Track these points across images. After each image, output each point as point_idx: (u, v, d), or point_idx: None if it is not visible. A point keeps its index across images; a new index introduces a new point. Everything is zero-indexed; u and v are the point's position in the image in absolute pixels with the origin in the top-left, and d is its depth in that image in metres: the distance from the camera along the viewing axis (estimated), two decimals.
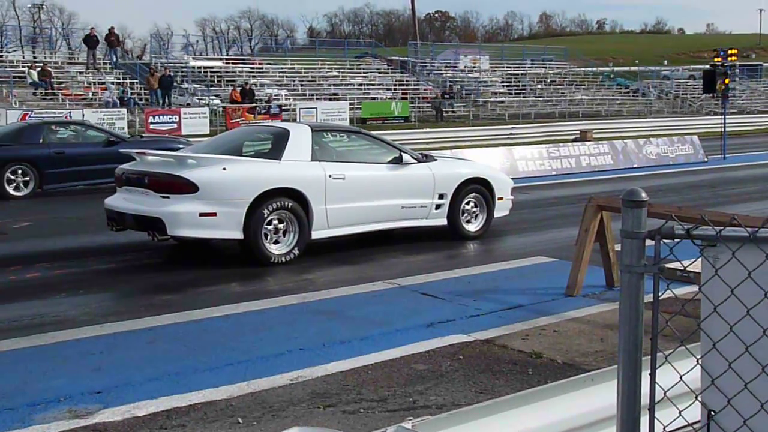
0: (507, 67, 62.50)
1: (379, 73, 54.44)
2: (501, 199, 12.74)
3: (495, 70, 60.85)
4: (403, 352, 6.84)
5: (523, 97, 54.55)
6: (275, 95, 43.97)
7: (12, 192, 17.23)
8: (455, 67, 59.20)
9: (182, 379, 6.20)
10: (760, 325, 2.67)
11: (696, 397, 2.79)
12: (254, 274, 10.05)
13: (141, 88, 41.09)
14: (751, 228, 2.69)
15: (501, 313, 8.14)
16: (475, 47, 75.49)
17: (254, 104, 38.67)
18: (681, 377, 2.90)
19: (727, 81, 25.44)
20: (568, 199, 16.73)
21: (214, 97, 41.51)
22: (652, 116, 51.21)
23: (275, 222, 10.35)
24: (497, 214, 12.68)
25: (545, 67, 63.98)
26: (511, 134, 35.43)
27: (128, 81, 41.61)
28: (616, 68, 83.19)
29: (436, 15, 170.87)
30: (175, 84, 40.74)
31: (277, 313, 8.24)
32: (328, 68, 53.27)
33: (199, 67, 48.66)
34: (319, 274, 10.10)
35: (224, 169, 10.16)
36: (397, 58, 60.09)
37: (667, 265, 8.60)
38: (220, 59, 61.54)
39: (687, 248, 2.85)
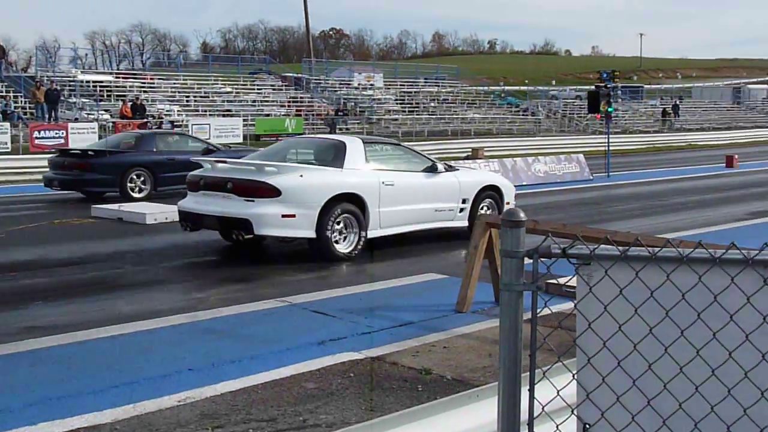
0: (401, 85, 63.15)
1: (273, 89, 54.22)
2: (508, 203, 14.42)
3: (389, 88, 61.38)
4: (293, 371, 6.81)
5: (417, 114, 55.17)
6: (167, 111, 43.25)
7: (134, 194, 19.39)
8: (349, 84, 59.47)
9: (64, 404, 6.01)
10: (631, 341, 2.78)
11: (572, 411, 2.88)
12: (142, 294, 9.87)
13: (26, 101, 39.86)
14: (623, 247, 2.80)
15: (392, 330, 8.20)
16: (370, 65, 76.01)
17: (145, 120, 37.95)
18: (558, 392, 2.98)
19: (610, 102, 26.30)
20: None
21: (103, 112, 40.54)
22: (541, 135, 52.51)
23: (340, 223, 11.82)
24: None
25: (438, 86, 64.88)
26: None
27: (12, 94, 40.29)
28: (506, 87, 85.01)
29: (331, 32, 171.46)
30: (62, 98, 39.64)
31: (165, 333, 8.09)
32: (222, 84, 52.75)
33: (88, 81, 47.48)
34: (210, 292, 9.98)
35: (301, 176, 11.65)
36: (291, 74, 59.96)
37: (553, 281, 8.76)
38: (110, 73, 60.33)
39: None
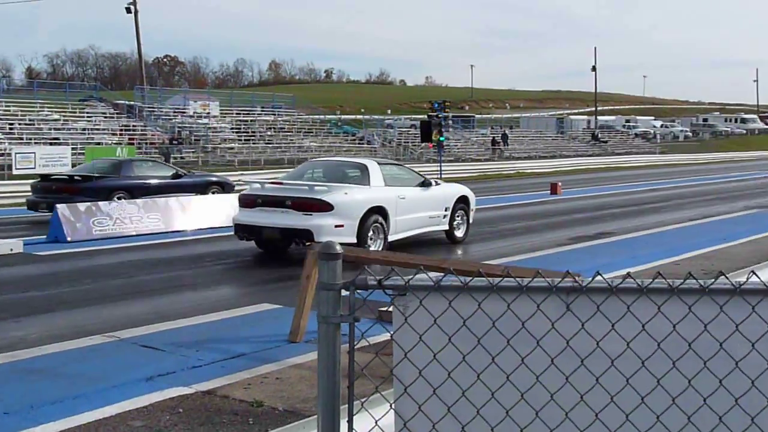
0: (237, 114, 62.70)
1: (105, 117, 52.63)
2: (473, 210, 17.94)
3: (225, 116, 60.82)
4: (119, 409, 6.59)
5: (253, 143, 54.88)
6: None
7: None
8: (184, 112, 58.55)
9: None
10: (446, 369, 2.85)
11: None
12: None
13: None
14: (437, 276, 2.88)
15: (224, 363, 8.07)
16: (205, 93, 75.10)
17: None
18: (376, 422, 3.02)
19: (441, 131, 27.04)
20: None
21: None
22: None
23: (370, 230, 14.51)
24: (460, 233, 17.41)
25: (275, 114, 64.82)
26: (240, 180, 35.36)
27: None
28: (343, 116, 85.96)
29: (165, 59, 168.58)
30: None
31: None
32: (49, 111, 50.76)
33: None
34: (32, 330, 9.53)
35: (346, 193, 14.39)
36: (123, 102, 58.47)
37: (383, 309, 8.80)
38: None
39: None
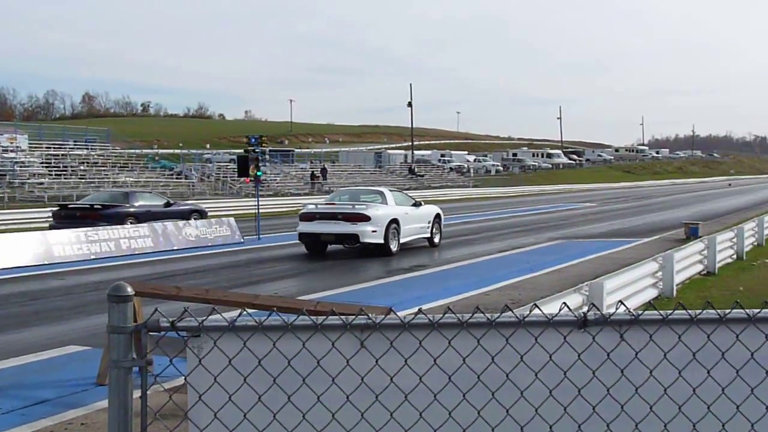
0: (47, 147, 60.15)
1: None
2: (442, 225, 24.96)
3: (34, 150, 58.22)
4: None
5: (65, 178, 52.77)
6: None
7: None
8: None
9: None
10: (242, 410, 2.83)
11: None
12: None
13: None
14: (231, 318, 2.86)
15: (24, 411, 7.66)
16: (12, 125, 71.60)
17: None
18: None
19: (258, 166, 26.91)
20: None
21: None
22: (194, 198, 52.39)
23: (391, 234, 21.29)
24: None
25: (88, 148, 62.65)
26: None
27: None
28: (160, 150, 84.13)
29: None
30: None
31: None
32: None
33: None
34: None
35: (377, 210, 21.25)
36: None
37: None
38: None
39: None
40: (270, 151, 73.16)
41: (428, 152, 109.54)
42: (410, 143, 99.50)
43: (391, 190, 23.76)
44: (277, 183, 64.70)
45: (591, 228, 32.24)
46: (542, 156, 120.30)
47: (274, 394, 2.87)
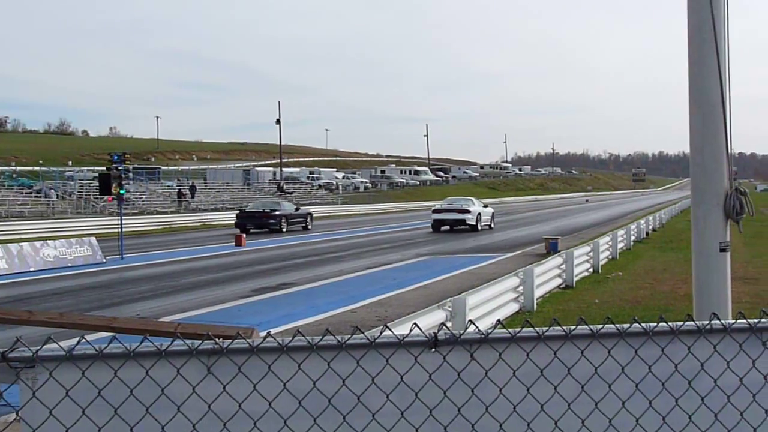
0: None
1: None
2: (494, 217, 44.86)
3: None
4: None
5: None
6: None
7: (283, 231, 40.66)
8: None
9: None
10: None
11: None
12: None
13: None
14: (69, 346, 2.73)
15: None
16: None
17: None
18: None
19: (122, 184, 26.21)
20: None
21: None
22: (55, 217, 50.62)
23: (477, 221, 40.53)
24: None
25: None
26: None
27: None
28: (18, 168, 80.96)
29: None
30: None
31: None
32: None
33: None
34: None
35: (473, 204, 41.49)
36: None
37: None
38: None
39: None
40: (134, 168, 71.33)
41: (297, 169, 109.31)
42: (279, 160, 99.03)
43: (475, 197, 46.73)
44: (142, 201, 63.15)
45: (457, 244, 32.68)
46: (410, 173, 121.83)
47: (115, 425, 2.74)
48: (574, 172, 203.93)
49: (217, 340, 2.83)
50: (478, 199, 44.86)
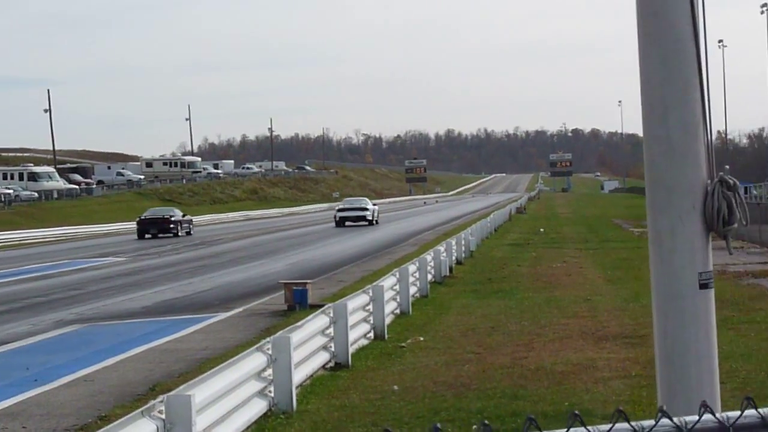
0: None
1: None
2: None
3: None
4: None
5: None
6: None
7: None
8: None
9: None
10: None
11: None
12: None
13: None
14: None
15: None
16: None
17: None
18: None
19: None
20: None
21: None
22: None
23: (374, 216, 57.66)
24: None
25: None
26: None
27: None
28: None
29: None
30: None
31: None
32: None
33: None
34: None
35: (368, 205, 58.43)
36: None
37: None
38: None
39: None
40: None
41: None
42: None
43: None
44: None
45: (128, 300, 22.32)
46: (21, 178, 78.80)
47: None
48: (308, 168, 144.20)
49: None
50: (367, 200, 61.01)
